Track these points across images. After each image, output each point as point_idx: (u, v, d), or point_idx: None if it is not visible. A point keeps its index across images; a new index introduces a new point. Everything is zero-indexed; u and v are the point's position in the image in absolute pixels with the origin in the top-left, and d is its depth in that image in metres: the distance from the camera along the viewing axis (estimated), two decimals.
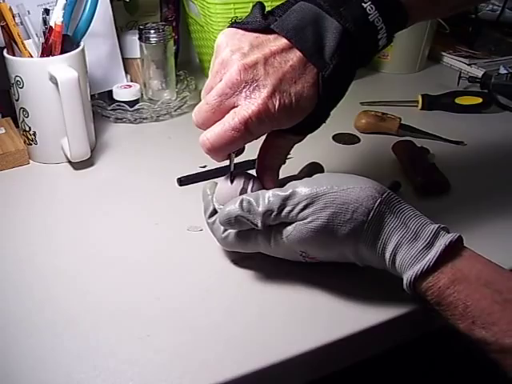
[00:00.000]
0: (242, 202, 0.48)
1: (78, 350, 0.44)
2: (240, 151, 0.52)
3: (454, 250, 0.44)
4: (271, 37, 0.47)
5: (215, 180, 0.56)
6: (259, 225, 0.47)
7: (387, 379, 0.64)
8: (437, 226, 0.45)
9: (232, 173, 0.52)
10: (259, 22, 0.47)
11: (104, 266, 0.54)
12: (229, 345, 0.45)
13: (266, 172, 0.52)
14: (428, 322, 0.50)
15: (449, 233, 0.45)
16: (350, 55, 0.47)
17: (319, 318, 0.48)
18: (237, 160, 0.52)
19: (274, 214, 0.46)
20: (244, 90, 0.46)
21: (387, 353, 0.50)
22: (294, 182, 0.48)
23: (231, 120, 0.46)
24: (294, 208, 0.46)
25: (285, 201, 0.46)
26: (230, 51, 0.46)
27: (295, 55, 0.46)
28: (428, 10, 0.53)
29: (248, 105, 0.45)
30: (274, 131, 0.49)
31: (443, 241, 0.43)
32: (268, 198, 0.47)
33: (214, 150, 0.48)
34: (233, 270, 0.53)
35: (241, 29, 0.48)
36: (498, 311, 0.41)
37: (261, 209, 0.47)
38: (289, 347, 0.45)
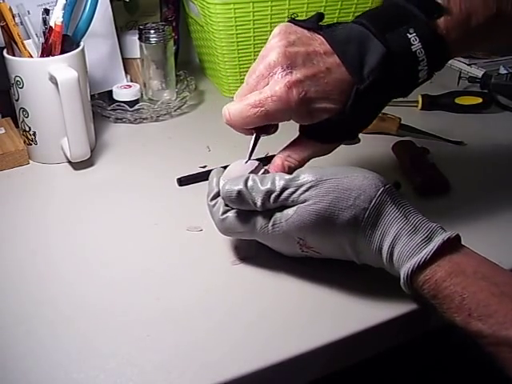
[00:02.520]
0: (247, 179, 0.48)
1: (78, 350, 0.44)
2: (268, 130, 0.52)
3: (452, 245, 0.44)
4: (318, 40, 0.49)
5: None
6: (259, 203, 0.47)
7: (387, 379, 0.64)
8: (435, 224, 0.46)
9: (251, 153, 0.52)
10: (312, 24, 0.51)
11: (104, 265, 0.54)
12: (229, 345, 0.45)
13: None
14: (428, 321, 0.50)
15: (447, 232, 0.45)
16: (388, 78, 0.49)
17: (319, 319, 0.48)
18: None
19: (276, 194, 0.47)
20: (278, 72, 0.48)
21: (387, 353, 0.50)
22: (300, 169, 0.49)
23: (254, 97, 0.48)
24: (296, 190, 0.46)
25: (288, 182, 0.47)
26: (278, 39, 0.49)
27: (335, 61, 0.49)
28: (469, 46, 0.55)
29: (274, 85, 0.48)
30: (299, 137, 0.51)
31: (442, 236, 0.44)
32: (273, 178, 0.47)
33: (232, 122, 0.50)
34: (233, 270, 0.53)
35: (296, 25, 0.51)
36: (495, 303, 0.41)
37: (263, 187, 0.47)
38: (289, 347, 0.45)
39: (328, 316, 0.48)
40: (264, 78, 0.49)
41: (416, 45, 0.49)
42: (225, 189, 0.49)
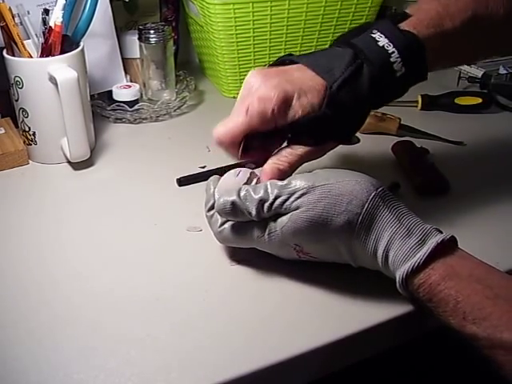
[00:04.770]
0: (240, 190, 0.48)
1: (78, 350, 0.44)
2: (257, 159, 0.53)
3: (446, 248, 0.44)
4: (293, 66, 0.52)
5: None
6: (253, 212, 0.47)
7: (387, 379, 0.64)
8: (430, 226, 0.46)
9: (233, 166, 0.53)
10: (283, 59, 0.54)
11: (103, 266, 0.54)
12: (228, 345, 0.45)
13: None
14: (426, 322, 0.50)
15: (442, 233, 0.45)
16: (363, 75, 0.50)
17: (318, 319, 0.48)
18: None
19: (269, 202, 0.47)
20: (256, 83, 0.51)
21: (387, 353, 0.50)
22: (292, 176, 0.49)
23: (237, 106, 0.51)
24: (289, 197, 0.46)
25: (281, 190, 0.47)
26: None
27: (307, 71, 0.51)
28: (448, 52, 0.55)
29: (255, 92, 0.50)
30: (287, 144, 0.52)
31: (435, 239, 0.44)
32: (265, 186, 0.48)
33: (219, 137, 0.51)
34: (233, 270, 0.53)
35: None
36: (489, 306, 0.41)
37: (256, 196, 0.47)
38: (288, 348, 0.45)
39: (327, 316, 0.48)
40: (245, 98, 0.50)
41: (382, 40, 0.50)
42: (219, 202, 0.48)
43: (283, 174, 0.51)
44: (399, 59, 0.50)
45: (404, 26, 0.52)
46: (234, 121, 0.50)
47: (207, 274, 0.53)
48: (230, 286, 0.51)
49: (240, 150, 0.52)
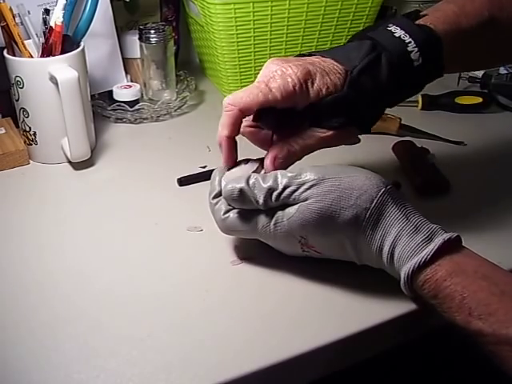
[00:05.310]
0: (249, 178, 0.48)
1: (79, 351, 0.45)
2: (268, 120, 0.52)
3: (452, 246, 0.44)
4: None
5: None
6: (261, 201, 0.47)
7: (387, 379, 0.64)
8: (436, 225, 0.46)
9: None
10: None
11: (104, 266, 0.54)
12: (229, 345, 0.45)
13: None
14: (427, 322, 0.50)
15: (448, 233, 0.45)
16: (381, 65, 0.50)
17: (319, 319, 0.48)
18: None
19: (278, 192, 0.47)
20: (276, 66, 0.50)
21: (387, 353, 0.50)
22: (302, 166, 0.49)
23: (259, 79, 0.50)
24: (298, 188, 0.46)
25: (290, 180, 0.47)
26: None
27: (327, 59, 0.51)
28: (464, 52, 0.55)
29: (274, 72, 0.49)
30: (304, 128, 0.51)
31: (442, 237, 0.44)
32: (275, 176, 0.47)
33: (231, 104, 0.50)
34: (233, 269, 0.53)
35: None
36: (495, 302, 0.41)
37: (265, 185, 0.47)
38: (289, 347, 0.45)
39: (329, 315, 0.48)
40: (262, 82, 0.49)
41: (398, 32, 0.51)
42: (227, 188, 0.48)
43: (292, 156, 0.51)
44: (416, 49, 0.50)
45: (420, 22, 0.52)
46: (250, 91, 0.49)
47: (207, 273, 0.53)
48: (230, 286, 0.51)
49: (253, 116, 0.51)
